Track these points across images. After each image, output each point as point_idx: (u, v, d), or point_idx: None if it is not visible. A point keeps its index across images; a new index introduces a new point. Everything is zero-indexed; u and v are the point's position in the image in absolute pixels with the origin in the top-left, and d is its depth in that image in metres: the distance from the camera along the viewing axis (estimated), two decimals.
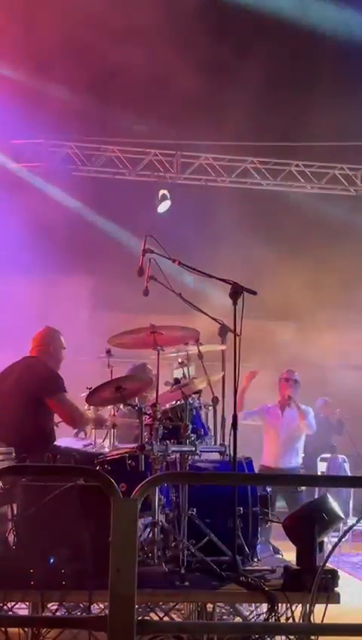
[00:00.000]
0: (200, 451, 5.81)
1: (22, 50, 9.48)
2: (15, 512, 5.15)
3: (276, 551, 6.20)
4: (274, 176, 13.24)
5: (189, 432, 5.75)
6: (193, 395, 6.07)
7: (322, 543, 5.30)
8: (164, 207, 12.42)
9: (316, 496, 6.53)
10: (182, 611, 5.83)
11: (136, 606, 3.37)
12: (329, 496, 5.37)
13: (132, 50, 9.84)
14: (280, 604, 4.88)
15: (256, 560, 5.69)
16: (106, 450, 6.49)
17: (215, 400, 6.38)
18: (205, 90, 10.90)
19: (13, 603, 4.87)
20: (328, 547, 5.53)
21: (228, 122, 11.35)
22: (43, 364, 6.46)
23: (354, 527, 8.47)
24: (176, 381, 6.33)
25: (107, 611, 3.30)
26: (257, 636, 5.00)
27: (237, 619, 5.48)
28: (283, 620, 4.87)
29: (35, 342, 6.61)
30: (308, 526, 5.14)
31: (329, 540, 6.19)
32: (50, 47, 9.66)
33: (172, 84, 10.44)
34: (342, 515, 5.41)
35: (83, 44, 9.83)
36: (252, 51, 10.30)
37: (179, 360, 6.74)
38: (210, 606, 5.28)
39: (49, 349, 6.58)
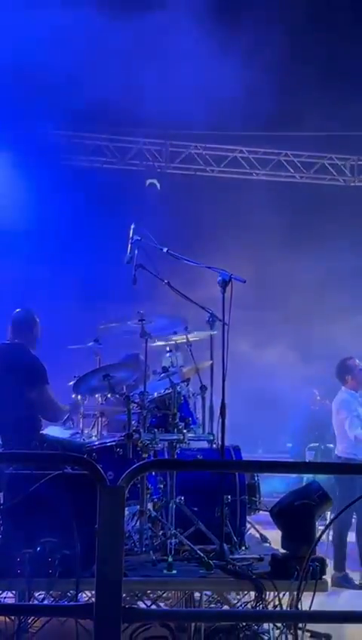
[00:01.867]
0: (189, 440, 5.81)
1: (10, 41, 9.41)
2: (1, 500, 5.12)
3: (263, 539, 6.20)
4: (262, 166, 13.23)
5: (177, 420, 5.75)
6: (181, 384, 6.05)
7: (310, 530, 5.30)
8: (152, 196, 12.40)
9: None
10: (170, 600, 5.83)
11: (124, 594, 3.36)
12: (316, 481, 5.37)
13: (122, 36, 9.78)
14: (268, 592, 4.89)
15: (243, 548, 5.69)
16: (94, 439, 6.46)
17: (203, 388, 6.37)
18: (195, 78, 10.84)
19: None
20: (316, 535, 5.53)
21: (218, 111, 11.32)
22: (28, 352, 6.42)
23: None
24: (164, 369, 6.31)
25: (94, 599, 3.28)
26: (245, 624, 5.01)
27: (225, 607, 5.48)
28: (270, 608, 4.88)
29: (16, 326, 6.56)
30: (296, 513, 5.14)
31: (316, 528, 6.21)
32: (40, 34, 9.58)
33: (163, 73, 10.41)
34: (331, 499, 5.41)
35: (71, 32, 9.77)
36: (241, 40, 10.25)
37: (168, 348, 6.71)
38: (197, 595, 5.28)
39: (32, 333, 6.53)
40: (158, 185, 12.51)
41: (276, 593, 4.88)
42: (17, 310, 6.68)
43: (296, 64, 10.68)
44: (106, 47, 9.96)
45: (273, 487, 8.32)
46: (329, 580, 5.03)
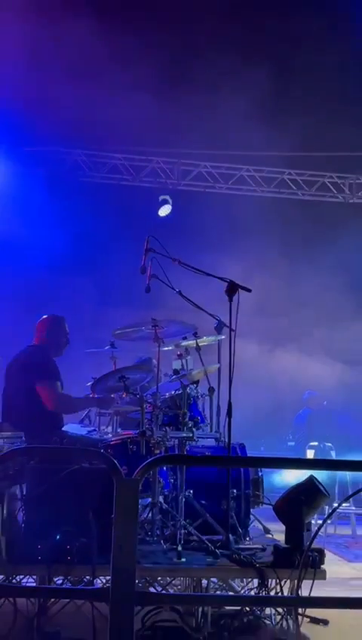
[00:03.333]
0: (197, 437, 5.82)
1: (34, 61, 9.45)
2: (24, 492, 5.14)
3: (266, 531, 6.20)
4: (267, 184, 13.24)
5: (187, 419, 5.76)
6: (191, 385, 6.06)
7: (309, 523, 5.30)
8: (164, 211, 12.42)
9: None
10: (179, 586, 5.83)
11: (136, 580, 3.37)
12: (315, 477, 5.37)
13: (135, 70, 9.86)
14: (270, 580, 4.89)
15: (247, 539, 5.69)
16: (110, 435, 6.48)
17: (211, 390, 6.38)
18: (205, 102, 10.90)
19: (21, 576, 4.87)
20: (315, 528, 5.53)
21: (226, 133, 11.37)
22: (41, 351, 6.41)
23: (339, 510, 8.52)
24: (176, 372, 6.32)
25: (109, 584, 3.29)
26: (248, 609, 5.01)
27: (230, 594, 5.48)
28: (272, 594, 4.88)
29: (36, 330, 6.58)
30: (297, 507, 5.14)
31: (315, 521, 6.21)
32: (60, 60, 9.63)
33: (174, 98, 10.47)
34: (328, 494, 5.40)
35: (91, 58, 9.82)
36: (246, 70, 10.32)
37: (178, 352, 6.73)
38: (204, 581, 5.28)
39: (49, 336, 6.53)
40: (170, 201, 12.53)
41: (278, 581, 4.88)
42: (43, 316, 6.69)
43: (297, 90, 10.70)
44: (128, 77, 10.01)
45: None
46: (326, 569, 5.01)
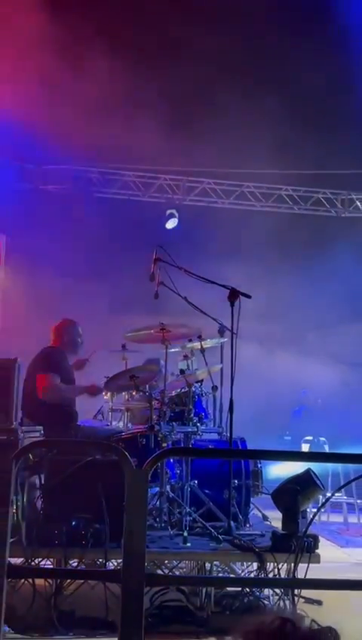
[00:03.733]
0: (201, 432, 5.83)
1: (54, 88, 9.48)
2: (42, 481, 5.15)
3: (265, 518, 6.20)
4: (265, 199, 13.24)
5: (192, 415, 5.76)
6: (195, 384, 6.07)
7: (305, 511, 5.30)
8: (171, 224, 12.43)
9: None
10: (184, 569, 5.83)
11: (145, 563, 3.37)
12: (311, 470, 5.36)
13: (145, 98, 9.89)
14: (268, 564, 4.89)
15: (248, 525, 5.69)
16: (121, 430, 6.48)
17: (214, 388, 6.38)
18: (209, 126, 10.93)
19: (40, 559, 4.88)
20: (309, 516, 5.53)
21: (228, 152, 11.38)
22: (51, 349, 6.42)
23: (332, 500, 8.50)
24: (181, 372, 6.32)
25: (120, 567, 3.29)
26: (248, 590, 5.01)
27: (232, 576, 5.47)
28: (270, 577, 4.88)
29: (52, 333, 6.60)
30: (293, 496, 5.13)
31: (310, 509, 6.19)
32: (78, 87, 9.66)
33: (181, 122, 10.52)
34: (323, 487, 5.40)
35: (106, 88, 9.87)
36: (247, 97, 10.35)
37: (184, 354, 6.73)
38: (208, 565, 5.28)
39: (64, 339, 6.54)
40: (177, 214, 12.54)
41: (275, 564, 4.87)
42: (58, 321, 6.70)
43: (296, 115, 10.70)
44: (138, 103, 10.05)
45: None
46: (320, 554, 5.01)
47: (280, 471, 8.65)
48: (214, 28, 9.85)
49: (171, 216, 12.45)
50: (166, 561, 5.38)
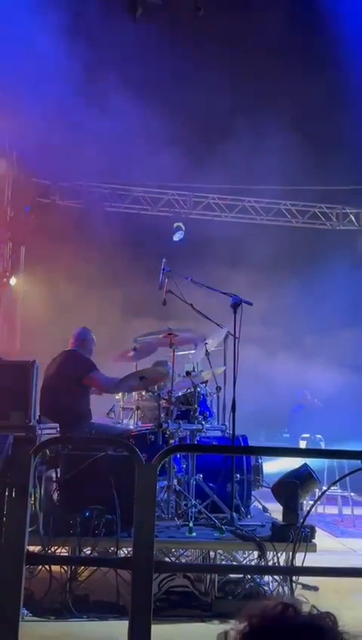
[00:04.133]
0: (206, 429, 5.82)
1: (71, 110, 9.52)
2: (58, 475, 5.15)
3: (265, 510, 6.18)
4: (266, 213, 13.25)
5: (197, 414, 5.76)
6: (201, 385, 6.06)
7: (302, 503, 5.28)
8: (178, 236, 12.42)
9: None
10: (190, 557, 5.82)
11: (154, 552, 3.37)
12: (308, 465, 5.35)
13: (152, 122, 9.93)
14: (268, 552, 4.87)
15: (249, 517, 5.68)
16: (131, 427, 6.48)
17: (218, 388, 6.38)
18: (213, 146, 10.97)
19: (56, 547, 4.87)
20: (306, 508, 5.51)
21: (230, 169, 11.41)
22: (77, 353, 6.46)
23: (327, 493, 8.46)
24: (188, 373, 6.32)
25: (131, 554, 3.29)
26: (250, 577, 4.99)
27: (234, 564, 5.46)
28: (270, 565, 4.86)
29: (72, 338, 6.63)
30: (293, 489, 5.12)
31: (307, 502, 6.17)
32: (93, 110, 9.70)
33: (187, 142, 10.56)
34: (319, 480, 5.38)
35: (119, 112, 9.93)
36: (250, 119, 10.39)
37: (190, 356, 6.72)
38: (212, 553, 5.26)
39: (83, 344, 6.58)
40: (183, 227, 12.55)
41: (275, 553, 4.86)
42: (76, 328, 6.75)
43: (294, 133, 10.70)
44: (148, 127, 10.09)
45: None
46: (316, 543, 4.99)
47: (276, 467, 8.64)
48: (213, 52, 9.85)
49: (178, 228, 12.44)
50: (173, 550, 5.36)
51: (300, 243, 12.84)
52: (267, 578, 5.07)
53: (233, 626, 1.21)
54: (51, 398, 6.00)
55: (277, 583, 4.92)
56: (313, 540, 4.95)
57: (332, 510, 9.17)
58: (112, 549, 4.84)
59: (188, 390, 5.89)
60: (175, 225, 12.54)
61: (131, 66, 9.34)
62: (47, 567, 4.71)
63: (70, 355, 6.42)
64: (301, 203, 13.17)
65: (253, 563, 5.09)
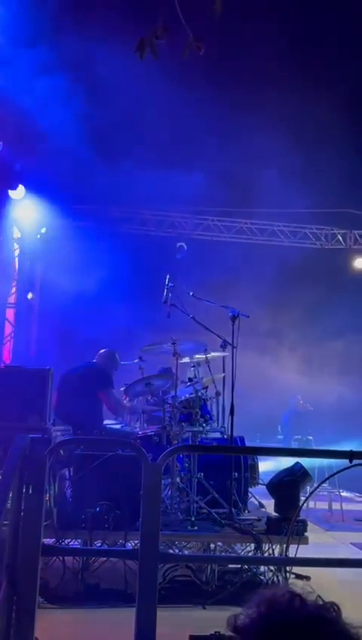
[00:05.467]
0: (207, 431, 5.80)
1: (83, 140, 9.57)
2: (71, 473, 5.14)
3: (261, 505, 6.14)
4: (261, 234, 13.28)
5: (199, 417, 5.74)
6: (202, 390, 6.05)
7: (298, 500, 5.25)
8: (181, 254, 12.43)
9: None
10: (192, 549, 5.78)
11: (159, 544, 3.34)
12: (299, 462, 5.32)
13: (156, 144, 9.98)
14: (264, 545, 4.84)
15: (246, 512, 5.65)
16: (138, 429, 6.47)
17: (217, 393, 6.37)
18: (213, 174, 11.02)
19: (69, 540, 4.85)
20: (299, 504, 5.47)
21: (229, 194, 11.46)
22: (101, 368, 6.49)
23: (318, 490, 8.41)
24: (190, 380, 6.31)
25: (138, 547, 3.27)
26: (247, 567, 4.96)
27: (233, 555, 5.42)
28: (266, 556, 4.83)
29: (101, 355, 6.66)
30: (287, 486, 5.10)
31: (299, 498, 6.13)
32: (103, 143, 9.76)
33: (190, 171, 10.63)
34: (310, 475, 5.36)
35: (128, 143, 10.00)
36: (245, 146, 10.42)
37: (192, 364, 6.72)
38: (212, 545, 5.23)
39: (110, 363, 6.61)
40: (185, 246, 12.56)
41: (270, 545, 4.83)
42: (107, 349, 6.77)
43: (288, 160, 10.73)
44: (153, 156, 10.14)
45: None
46: (308, 536, 4.96)
47: (271, 466, 8.60)
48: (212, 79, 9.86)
49: (181, 248, 12.47)
50: (176, 542, 5.33)
51: (291, 261, 12.84)
52: (263, 568, 5.04)
53: (243, 611, 1.20)
54: (68, 402, 6.00)
55: (272, 573, 4.88)
56: (305, 534, 4.92)
57: (323, 506, 9.11)
58: (121, 541, 4.81)
59: (191, 395, 5.88)
60: (178, 244, 12.59)
61: (135, 94, 9.39)
62: (60, 558, 4.69)
63: (96, 367, 6.45)
64: (293, 224, 13.20)
65: (250, 554, 5.05)
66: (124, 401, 6.53)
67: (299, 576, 4.97)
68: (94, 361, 6.58)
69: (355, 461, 3.47)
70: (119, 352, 6.80)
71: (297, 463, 5.35)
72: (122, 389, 6.48)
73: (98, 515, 4.79)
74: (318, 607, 1.17)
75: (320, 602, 1.19)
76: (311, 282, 12.34)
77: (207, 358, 6.52)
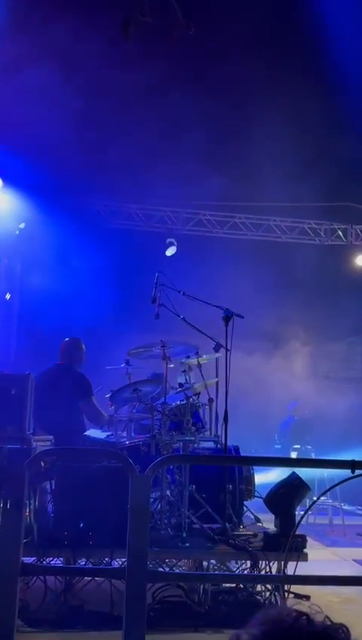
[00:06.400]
0: (199, 440, 5.79)
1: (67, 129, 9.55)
2: (53, 486, 5.11)
3: (257, 520, 6.14)
4: (256, 229, 13.31)
5: (190, 425, 5.73)
6: (193, 396, 6.04)
7: (294, 514, 5.24)
8: (171, 251, 12.44)
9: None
10: (183, 567, 5.76)
11: (148, 562, 3.33)
12: (296, 473, 5.32)
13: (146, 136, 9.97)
14: (260, 562, 4.84)
15: (241, 527, 5.64)
16: (125, 439, 6.44)
17: (210, 400, 6.35)
18: (206, 164, 11.01)
19: (50, 558, 4.82)
20: (298, 518, 5.47)
21: (222, 188, 11.47)
22: (76, 371, 6.44)
23: (318, 503, 8.44)
24: (180, 385, 6.30)
25: (125, 564, 3.26)
26: (243, 586, 4.95)
27: (227, 573, 5.41)
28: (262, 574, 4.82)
29: (63, 350, 6.61)
30: (284, 499, 5.09)
31: (298, 512, 6.13)
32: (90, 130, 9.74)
33: (180, 161, 10.61)
34: (309, 487, 5.36)
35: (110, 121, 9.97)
36: (239, 138, 10.45)
37: (183, 369, 6.70)
38: (205, 563, 5.22)
39: (74, 356, 6.56)
40: (175, 243, 12.57)
41: (267, 562, 4.82)
42: (66, 339, 6.71)
43: (285, 151, 10.76)
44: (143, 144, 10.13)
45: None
46: (308, 552, 4.96)
47: (267, 478, 8.61)
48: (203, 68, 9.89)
49: (171, 244, 12.47)
50: (166, 560, 5.31)
51: (289, 258, 12.88)
52: (259, 587, 5.03)
53: (245, 630, 1.19)
54: (46, 411, 5.96)
55: (269, 592, 4.88)
56: (304, 550, 4.92)
57: (323, 520, 9.13)
58: (106, 559, 4.79)
59: (181, 402, 5.87)
60: (167, 241, 12.60)
61: (123, 82, 9.37)
62: (41, 577, 4.66)
63: (67, 372, 6.38)
64: (290, 219, 13.23)
65: (245, 572, 5.05)
66: (105, 410, 6.48)
67: (297, 596, 4.97)
68: (60, 362, 6.54)
69: (358, 471, 3.48)
70: (82, 341, 6.75)
71: (293, 473, 5.35)
72: (107, 395, 6.45)
73: (82, 531, 4.77)
74: (326, 627, 1.16)
75: (329, 622, 1.18)
76: (309, 279, 12.38)
77: (199, 361, 6.50)
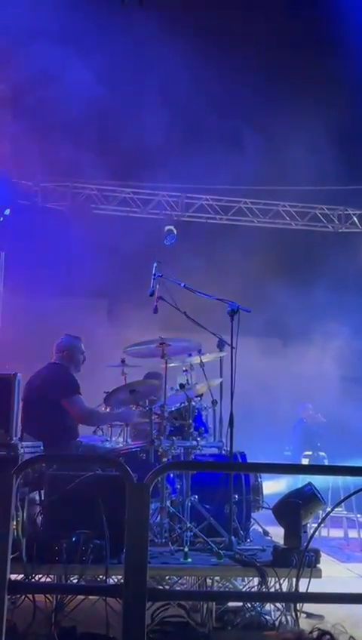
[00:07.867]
0: (202, 446, 5.80)
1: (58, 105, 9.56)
2: (42, 497, 5.11)
3: (265, 533, 6.15)
4: (263, 215, 13.30)
5: (192, 429, 5.74)
6: (195, 398, 6.05)
7: (306, 526, 5.26)
8: (170, 240, 12.42)
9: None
10: (185, 585, 5.78)
11: (147, 579, 3.33)
12: (312, 483, 5.33)
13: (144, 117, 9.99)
14: (270, 579, 4.84)
15: (248, 540, 5.65)
16: (121, 445, 6.45)
17: (214, 402, 6.36)
18: (207, 143, 11.02)
19: (40, 575, 4.83)
20: (310, 531, 5.49)
21: (226, 169, 11.46)
22: (62, 369, 6.40)
23: (332, 515, 8.45)
24: (181, 386, 6.30)
25: (122, 582, 3.26)
26: (250, 605, 4.96)
27: (233, 590, 5.42)
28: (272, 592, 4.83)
29: (55, 350, 6.58)
30: (295, 510, 5.10)
31: (310, 524, 6.15)
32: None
33: (180, 140, 10.63)
34: (324, 501, 5.37)
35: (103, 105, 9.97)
36: (240, 119, 10.47)
37: (184, 368, 6.71)
38: (209, 580, 5.23)
39: (67, 355, 6.52)
40: (175, 230, 12.55)
41: (277, 579, 4.83)
42: (61, 337, 6.69)
43: (293, 131, 10.76)
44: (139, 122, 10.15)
45: None
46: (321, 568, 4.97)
47: (277, 487, 8.63)
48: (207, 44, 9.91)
49: (169, 232, 12.45)
50: (167, 577, 5.33)
51: (300, 246, 12.88)
52: (269, 606, 5.04)
53: None
54: (34, 414, 5.95)
55: (279, 612, 4.89)
56: (318, 565, 4.92)
57: (338, 533, 9.16)
58: (101, 576, 4.79)
59: (182, 404, 5.87)
60: (166, 228, 12.59)
61: (120, 58, 9.39)
62: (30, 596, 4.66)
63: (55, 370, 6.37)
64: (300, 204, 13.23)
65: (253, 590, 5.05)
66: (98, 409, 6.44)
67: (310, 616, 4.98)
68: (54, 361, 6.53)
69: None
70: (79, 338, 6.71)
71: (309, 484, 5.35)
72: (102, 397, 6.46)
73: (74, 545, 4.77)
74: None
75: None
76: (322, 269, 12.36)
77: (201, 360, 6.51)
